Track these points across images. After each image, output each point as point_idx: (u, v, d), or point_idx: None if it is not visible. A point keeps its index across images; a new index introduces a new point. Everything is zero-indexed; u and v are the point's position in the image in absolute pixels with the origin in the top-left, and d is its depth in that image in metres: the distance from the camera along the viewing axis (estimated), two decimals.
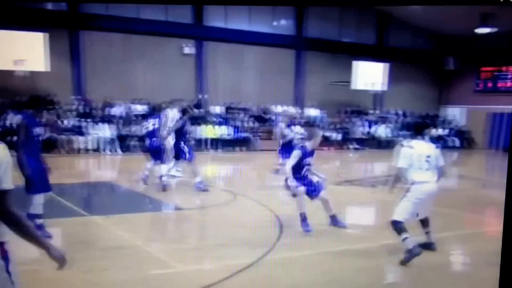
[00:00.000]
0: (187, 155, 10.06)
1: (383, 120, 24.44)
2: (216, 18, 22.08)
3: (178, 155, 9.99)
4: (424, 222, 6.32)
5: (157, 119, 10.17)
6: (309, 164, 7.10)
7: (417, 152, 5.91)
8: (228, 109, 21.77)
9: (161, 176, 9.84)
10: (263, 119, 22.49)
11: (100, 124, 18.08)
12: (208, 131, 19.78)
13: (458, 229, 8.06)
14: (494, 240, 7.41)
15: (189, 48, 21.54)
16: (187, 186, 10.58)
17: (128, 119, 18.90)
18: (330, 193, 7.30)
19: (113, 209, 8.59)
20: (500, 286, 1.92)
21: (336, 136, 22.72)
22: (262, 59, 23.38)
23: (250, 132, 20.91)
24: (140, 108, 19.76)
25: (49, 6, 18.97)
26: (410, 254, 5.78)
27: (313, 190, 7.09)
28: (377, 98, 25.51)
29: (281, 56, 23.88)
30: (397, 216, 5.90)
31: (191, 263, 5.77)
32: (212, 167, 15.01)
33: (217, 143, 19.26)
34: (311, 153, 7.14)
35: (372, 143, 23.20)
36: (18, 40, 17.16)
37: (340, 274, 5.62)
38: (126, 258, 5.80)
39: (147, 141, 10.22)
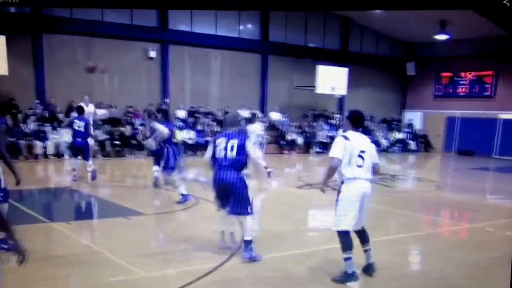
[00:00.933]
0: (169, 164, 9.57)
1: None
2: (181, 22, 22.04)
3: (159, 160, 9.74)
4: (362, 236, 5.55)
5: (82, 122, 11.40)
6: None
7: (352, 145, 5.24)
8: (192, 113, 21.70)
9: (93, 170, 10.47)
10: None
11: (60, 129, 17.73)
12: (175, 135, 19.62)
13: (414, 230, 8.29)
14: (447, 239, 7.79)
15: (153, 52, 21.40)
16: (149, 190, 10.58)
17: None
18: (291, 197, 7.38)
19: (74, 215, 8.51)
20: None
21: (300, 139, 22.97)
22: (227, 63, 23.49)
23: (214, 136, 20.81)
24: (102, 113, 19.49)
25: (11, 9, 18.58)
26: (345, 278, 5.36)
27: None
28: (342, 102, 25.96)
29: (246, 60, 24.07)
30: (341, 226, 5.30)
31: (154, 269, 5.77)
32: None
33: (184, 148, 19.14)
34: None
35: None
36: None
37: (299, 274, 5.73)
38: (87, 265, 5.76)
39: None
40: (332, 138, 23.28)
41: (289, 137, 22.69)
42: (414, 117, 27.34)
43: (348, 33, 26.27)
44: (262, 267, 5.97)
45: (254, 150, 6.23)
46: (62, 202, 9.93)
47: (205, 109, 22.25)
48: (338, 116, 25.50)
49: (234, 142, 5.91)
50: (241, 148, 5.91)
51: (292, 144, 22.52)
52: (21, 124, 17.47)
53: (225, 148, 5.92)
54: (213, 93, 23.27)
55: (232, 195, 5.94)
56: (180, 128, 20.07)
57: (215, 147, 6.03)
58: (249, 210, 6.00)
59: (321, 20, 25.51)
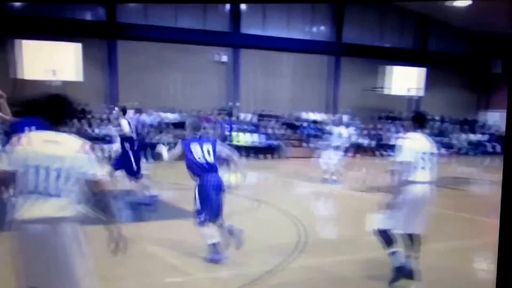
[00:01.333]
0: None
1: None
2: (253, 26, 22.20)
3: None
4: (414, 241, 5.16)
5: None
6: None
7: (415, 147, 5.00)
8: (259, 116, 21.71)
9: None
10: (294, 126, 22.41)
11: None
12: (239, 139, 19.76)
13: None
14: None
15: (225, 56, 21.60)
16: None
17: (159, 128, 19.05)
18: (352, 200, 7.12)
19: (129, 217, 8.63)
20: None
21: (369, 142, 22.39)
22: (298, 66, 23.38)
23: (281, 139, 20.79)
24: (171, 117, 19.91)
25: (88, 16, 19.45)
26: (397, 273, 5.04)
27: None
28: (412, 103, 25.02)
29: (317, 62, 23.85)
30: (382, 224, 5.04)
31: (208, 271, 5.72)
32: (236, 175, 14.95)
33: (248, 151, 19.13)
34: None
35: None
36: (52, 50, 17.56)
37: (356, 279, 5.52)
38: (143, 266, 5.78)
39: None
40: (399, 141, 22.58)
41: (356, 140, 22.16)
42: (495, 118, 25.84)
43: (426, 32, 25.37)
44: (318, 271, 5.81)
45: (224, 148, 6.27)
46: (123, 204, 10.10)
47: (274, 113, 22.20)
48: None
49: (209, 147, 5.87)
50: (215, 151, 5.86)
51: (358, 147, 21.94)
52: (93, 128, 18.17)
53: (203, 153, 5.82)
54: (283, 96, 23.21)
55: (222, 199, 5.87)
56: (249, 131, 20.13)
57: (190, 152, 5.84)
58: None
59: (397, 19, 24.82)
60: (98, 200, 3.32)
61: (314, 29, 23.94)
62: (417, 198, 4.96)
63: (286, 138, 21.10)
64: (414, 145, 5.01)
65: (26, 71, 17.31)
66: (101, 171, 3.31)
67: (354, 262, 6.16)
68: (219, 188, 5.83)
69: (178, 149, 6.05)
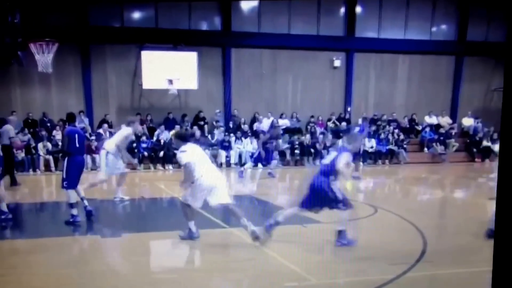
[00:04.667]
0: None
1: None
2: (368, 29, 21.73)
3: None
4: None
5: None
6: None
7: None
8: (374, 120, 21.15)
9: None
10: (411, 130, 21.55)
11: (245, 138, 18.66)
12: None
13: None
14: None
15: (338, 61, 21.39)
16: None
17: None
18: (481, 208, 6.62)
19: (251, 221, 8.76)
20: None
21: (496, 147, 20.82)
22: (416, 68, 22.40)
23: (396, 144, 20.09)
24: (285, 123, 20.05)
25: (204, 26, 20.35)
26: None
27: None
28: None
29: (437, 63, 22.62)
30: None
31: (327, 277, 5.60)
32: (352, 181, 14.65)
33: (363, 156, 18.64)
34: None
35: None
36: (169, 59, 18.72)
37: None
38: (262, 269, 5.83)
39: None
40: None
41: (484, 143, 20.78)
42: None
43: None
44: (445, 284, 5.48)
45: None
46: (240, 209, 10.24)
47: (388, 117, 21.52)
48: None
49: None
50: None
51: (486, 151, 20.53)
52: (208, 135, 18.89)
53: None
54: (399, 100, 22.41)
55: None
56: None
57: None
58: None
59: None
60: None
61: (434, 28, 22.77)
62: None
63: (402, 143, 20.30)
64: None
65: (145, 81, 18.54)
66: None
67: (481, 273, 5.70)
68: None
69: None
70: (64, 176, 8.30)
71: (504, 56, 1.78)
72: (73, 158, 8.31)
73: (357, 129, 14.59)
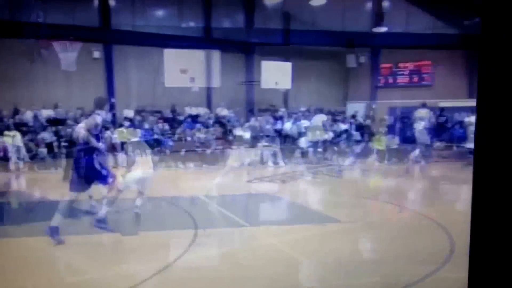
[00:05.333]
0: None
1: (291, 117, 20.90)
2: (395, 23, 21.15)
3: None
4: None
5: None
6: None
7: None
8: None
9: None
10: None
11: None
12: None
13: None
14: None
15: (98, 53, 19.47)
16: (352, 199, 10.35)
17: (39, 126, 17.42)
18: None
19: (271, 220, 8.69)
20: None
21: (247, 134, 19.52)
22: None
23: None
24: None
25: (226, 24, 20.39)
26: None
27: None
28: (287, 96, 23.20)
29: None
30: None
31: (351, 277, 5.47)
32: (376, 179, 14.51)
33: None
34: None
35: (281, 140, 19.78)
36: (190, 58, 18.12)
37: None
38: (285, 269, 5.72)
39: None
40: (278, 131, 20.05)
41: (239, 132, 19.90)
42: (357, 108, 24.01)
43: (288, 27, 22.73)
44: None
45: None
46: (259, 207, 10.12)
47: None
48: (283, 110, 21.85)
49: None
50: None
51: (241, 139, 19.61)
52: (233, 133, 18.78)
53: None
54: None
55: None
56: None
57: None
58: None
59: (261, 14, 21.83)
60: None
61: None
62: None
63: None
64: None
65: (166, 79, 18.44)
66: None
67: None
68: None
69: None
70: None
71: (478, 52, 1.76)
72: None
73: None
